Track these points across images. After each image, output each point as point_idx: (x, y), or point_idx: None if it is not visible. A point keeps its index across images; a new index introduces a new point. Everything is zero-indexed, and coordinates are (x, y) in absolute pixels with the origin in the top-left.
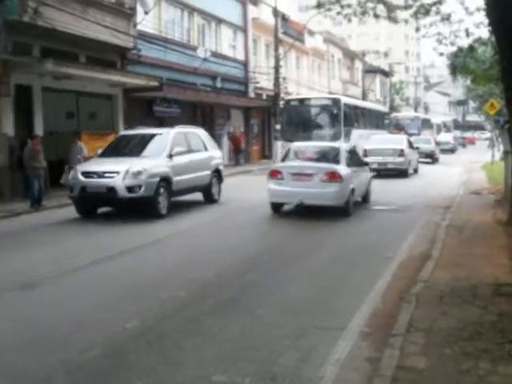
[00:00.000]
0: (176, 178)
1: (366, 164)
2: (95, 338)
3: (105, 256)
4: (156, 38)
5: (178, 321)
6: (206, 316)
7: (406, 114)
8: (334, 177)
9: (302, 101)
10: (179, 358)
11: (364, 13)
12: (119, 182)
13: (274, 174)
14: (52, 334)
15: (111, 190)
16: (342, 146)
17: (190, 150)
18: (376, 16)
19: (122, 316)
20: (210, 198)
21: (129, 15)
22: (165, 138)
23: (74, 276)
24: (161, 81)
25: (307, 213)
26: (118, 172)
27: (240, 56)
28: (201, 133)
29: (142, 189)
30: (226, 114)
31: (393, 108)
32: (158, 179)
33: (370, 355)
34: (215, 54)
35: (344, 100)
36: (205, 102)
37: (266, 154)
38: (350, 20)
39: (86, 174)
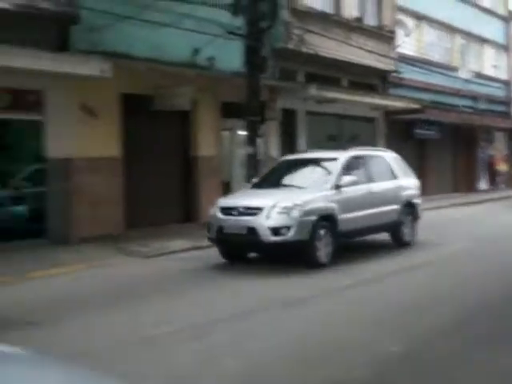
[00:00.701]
0: (344, 216)
1: None
2: (359, 358)
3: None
4: (416, 60)
5: (443, 348)
6: (474, 345)
7: None
8: None
9: None
10: None
11: None
12: (261, 222)
13: None
14: (316, 351)
15: (252, 231)
16: None
17: (369, 179)
18: None
19: (386, 339)
20: (399, 240)
21: (389, 38)
22: (334, 163)
23: (331, 297)
24: (422, 103)
25: None
26: (262, 208)
27: (503, 76)
28: (388, 157)
29: (292, 230)
30: (489, 137)
31: None
32: (315, 218)
33: None
34: (477, 75)
35: None
36: (467, 124)
37: None
38: None
39: (226, 211)
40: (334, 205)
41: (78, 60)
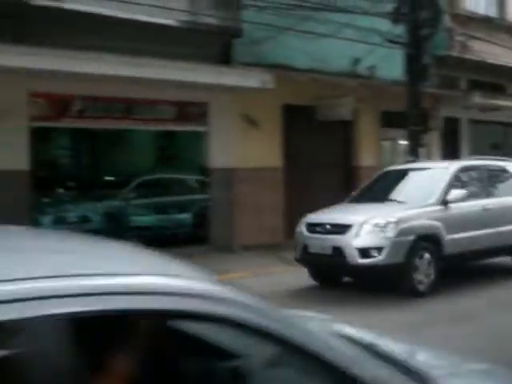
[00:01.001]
0: (451, 237)
1: None
2: None
3: None
4: None
5: None
6: None
7: None
8: None
9: None
10: None
11: None
12: (348, 241)
13: None
14: None
15: (337, 251)
16: None
17: (487, 194)
18: None
19: None
20: None
21: None
22: (442, 175)
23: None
24: None
25: None
26: (350, 226)
27: None
28: None
29: (384, 252)
30: None
31: None
32: (413, 238)
33: None
34: None
35: None
36: None
37: None
38: None
39: (312, 227)
40: (438, 223)
41: (241, 72)
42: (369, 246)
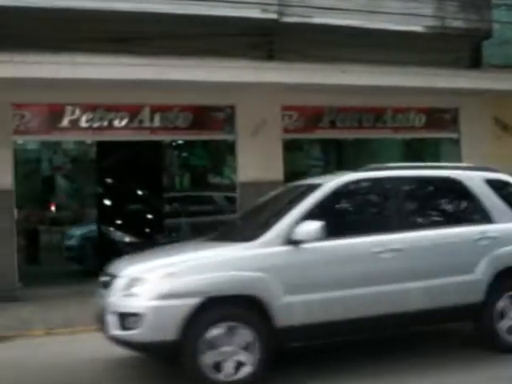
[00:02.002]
0: (295, 299)
1: None
2: None
3: None
4: None
5: None
6: None
7: None
8: None
9: None
10: None
11: None
12: (108, 301)
13: None
14: None
15: (101, 315)
16: None
17: (401, 225)
18: None
19: None
20: (490, 337)
21: None
22: (308, 197)
23: None
24: None
25: None
26: (115, 277)
27: None
28: (475, 182)
29: (142, 323)
30: None
31: None
32: (197, 300)
33: None
34: None
35: None
36: None
37: None
38: None
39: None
40: (263, 275)
41: (493, 75)
42: (124, 311)
